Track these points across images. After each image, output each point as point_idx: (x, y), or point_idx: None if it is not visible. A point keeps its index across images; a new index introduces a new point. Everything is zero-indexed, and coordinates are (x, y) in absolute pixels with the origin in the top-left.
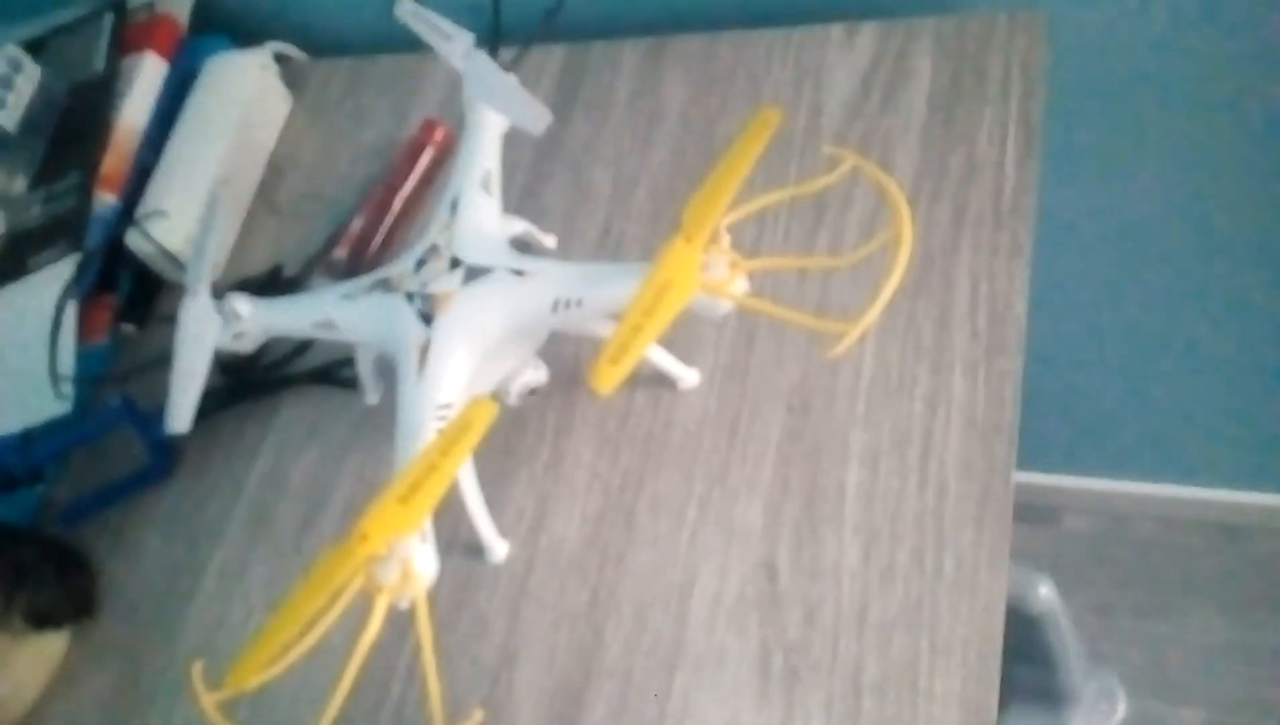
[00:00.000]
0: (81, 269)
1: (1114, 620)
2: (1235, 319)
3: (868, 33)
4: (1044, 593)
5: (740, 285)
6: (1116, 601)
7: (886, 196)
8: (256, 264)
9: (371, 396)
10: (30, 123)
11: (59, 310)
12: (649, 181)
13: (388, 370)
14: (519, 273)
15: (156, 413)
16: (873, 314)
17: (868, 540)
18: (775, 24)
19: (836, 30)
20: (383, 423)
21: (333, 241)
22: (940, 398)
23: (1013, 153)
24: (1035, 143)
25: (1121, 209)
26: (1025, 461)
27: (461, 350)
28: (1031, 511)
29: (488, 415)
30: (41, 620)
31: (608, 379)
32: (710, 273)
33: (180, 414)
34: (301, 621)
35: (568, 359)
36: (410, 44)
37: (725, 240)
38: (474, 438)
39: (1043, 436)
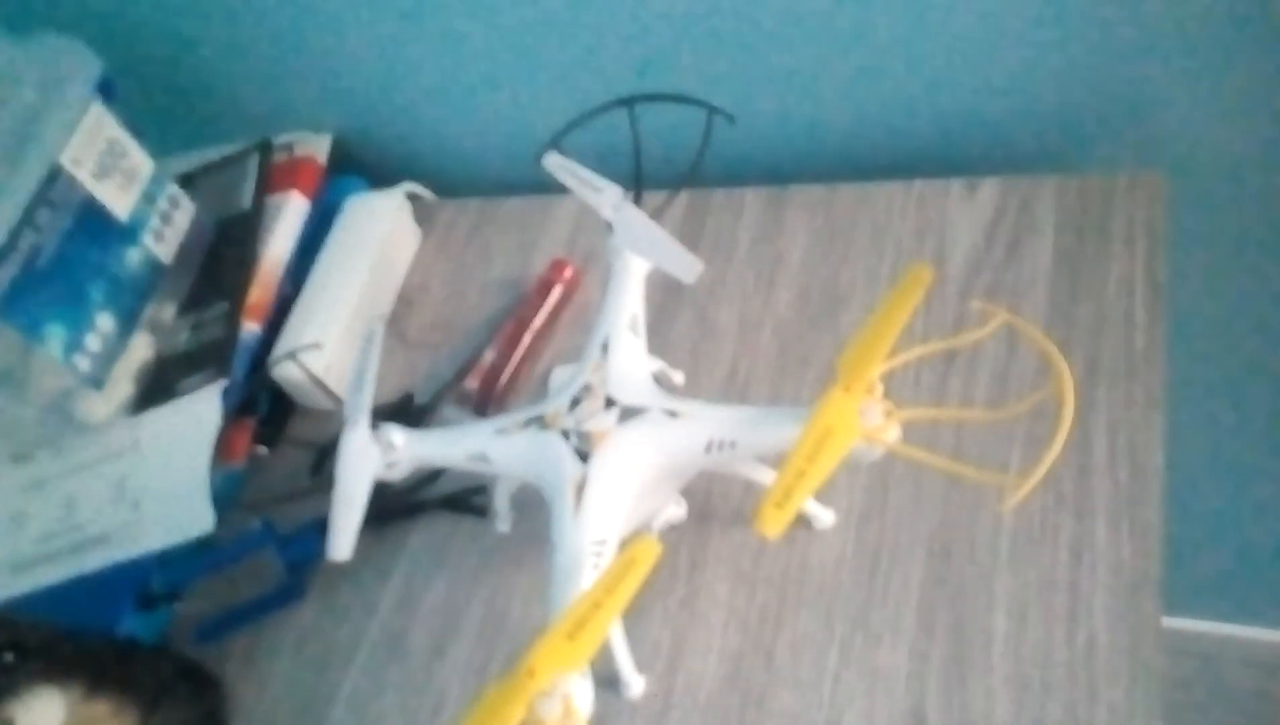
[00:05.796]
0: (231, 394)
1: None
2: None
3: (988, 188)
4: None
5: (894, 433)
6: None
7: (1045, 356)
8: (386, 392)
9: (503, 525)
10: (183, 254)
11: (218, 434)
12: (773, 324)
13: (521, 501)
14: (672, 414)
15: (294, 536)
16: (1041, 471)
17: (1018, 690)
18: (894, 177)
19: (957, 185)
20: (513, 551)
21: (464, 372)
22: (1084, 548)
23: (1140, 306)
24: (1162, 297)
25: (1248, 358)
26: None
27: (617, 488)
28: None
29: (651, 554)
30: None
31: (773, 523)
32: (866, 421)
33: (341, 542)
34: None
35: (701, 494)
36: (534, 187)
37: (879, 390)
38: (638, 576)
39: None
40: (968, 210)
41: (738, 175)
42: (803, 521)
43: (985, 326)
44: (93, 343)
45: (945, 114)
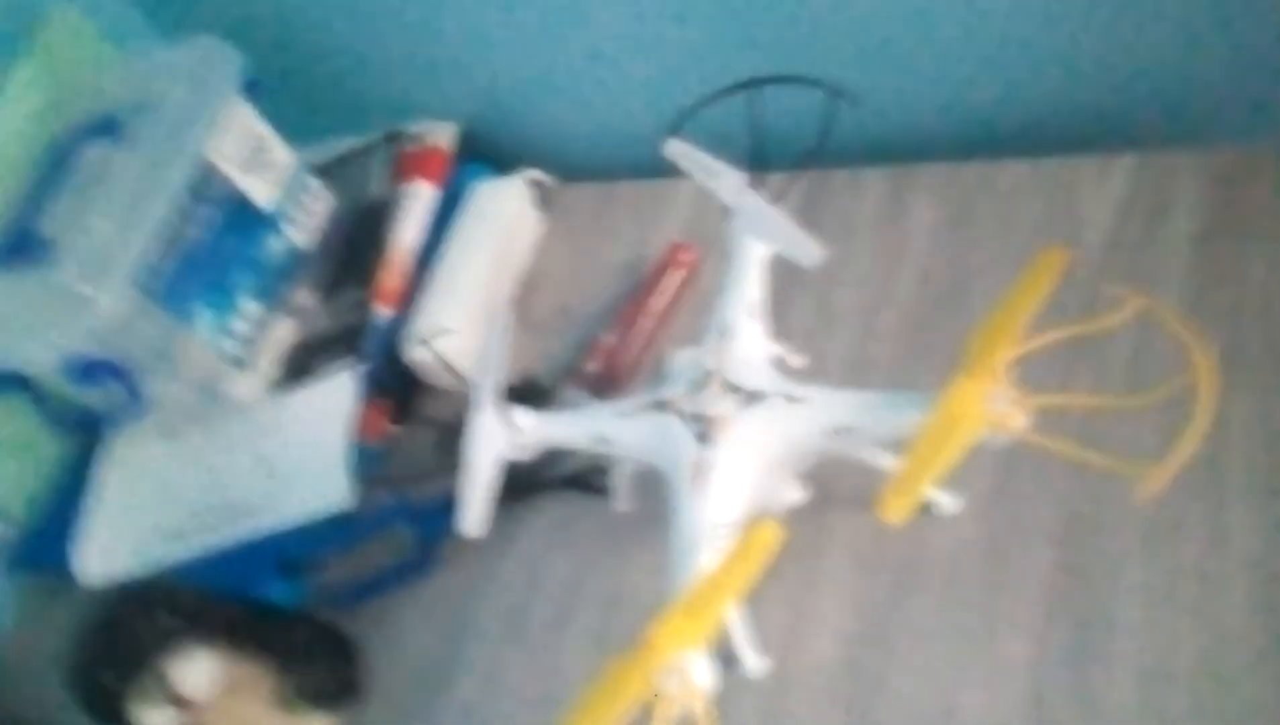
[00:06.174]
0: (367, 376)
1: None
2: None
3: (1123, 166)
4: None
5: (1022, 421)
6: None
7: (1184, 343)
8: (509, 374)
9: (624, 504)
10: (321, 242)
11: (354, 413)
12: (896, 308)
13: (642, 481)
14: (793, 399)
15: (426, 510)
16: (1176, 462)
17: (1144, 681)
18: (1022, 156)
19: (1089, 163)
20: (632, 531)
21: (584, 355)
22: (1218, 537)
23: None
24: None
25: None
26: None
27: (737, 471)
28: None
29: (772, 537)
30: (317, 701)
31: (897, 509)
32: (994, 408)
33: (473, 518)
34: None
35: (821, 478)
36: (653, 170)
37: (1008, 376)
38: (759, 558)
39: None
40: (1101, 190)
41: (859, 155)
42: (926, 507)
43: (1119, 312)
44: (239, 326)
45: (1077, 88)
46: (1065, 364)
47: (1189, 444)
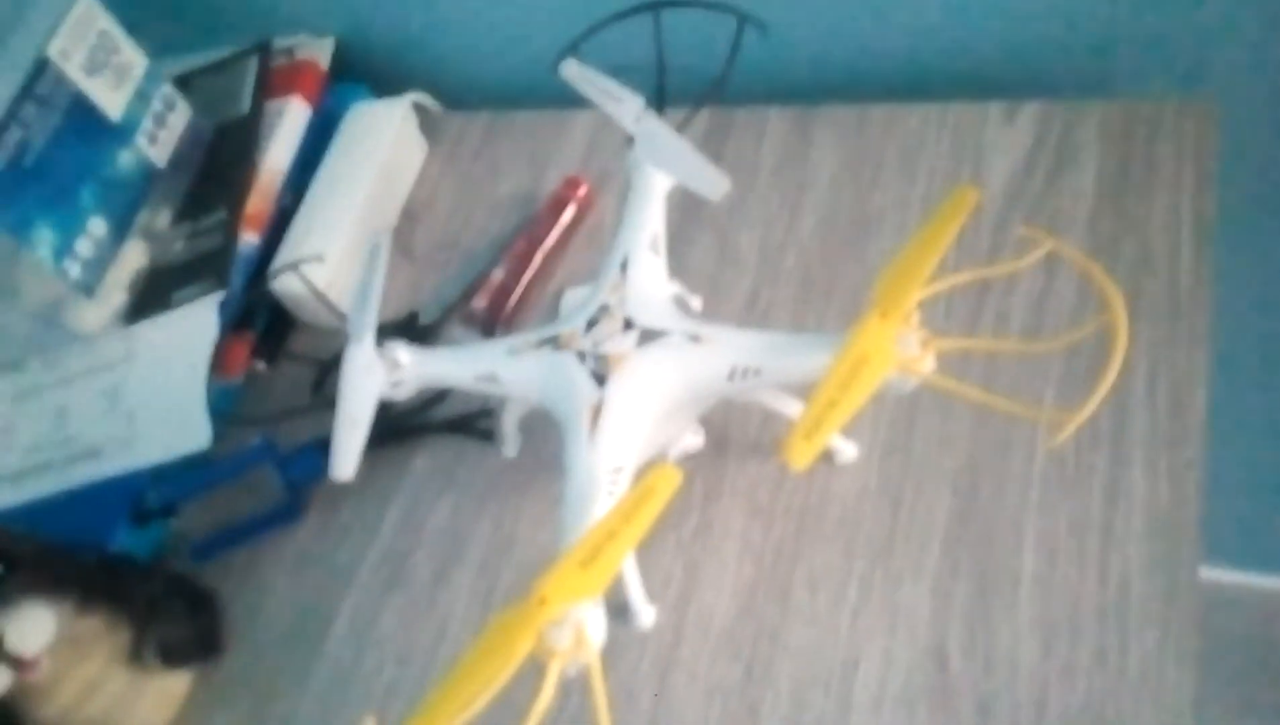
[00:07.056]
0: (229, 306)
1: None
2: None
3: (1029, 113)
4: None
5: (930, 364)
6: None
7: (1096, 286)
8: (389, 310)
9: (510, 449)
10: (178, 159)
11: (215, 347)
12: (797, 249)
13: (529, 426)
14: (695, 338)
15: (294, 454)
16: (1091, 405)
17: (1046, 633)
18: (929, 99)
19: (995, 108)
20: (519, 476)
21: (471, 291)
22: (1120, 488)
23: (1188, 240)
24: (1210, 231)
25: None
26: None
27: (635, 413)
28: None
29: (671, 483)
30: (171, 657)
31: (802, 454)
32: (902, 349)
33: (345, 461)
34: (478, 684)
35: (718, 423)
36: (547, 100)
37: (915, 317)
38: (657, 505)
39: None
40: (1006, 136)
41: (762, 93)
42: (824, 454)
43: (1026, 255)
44: (84, 248)
45: (985, 33)
46: (970, 310)
47: (1102, 388)
